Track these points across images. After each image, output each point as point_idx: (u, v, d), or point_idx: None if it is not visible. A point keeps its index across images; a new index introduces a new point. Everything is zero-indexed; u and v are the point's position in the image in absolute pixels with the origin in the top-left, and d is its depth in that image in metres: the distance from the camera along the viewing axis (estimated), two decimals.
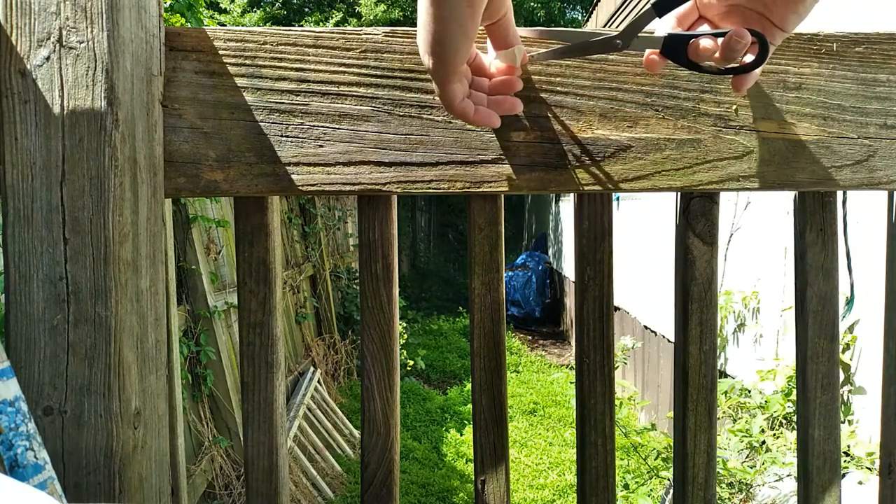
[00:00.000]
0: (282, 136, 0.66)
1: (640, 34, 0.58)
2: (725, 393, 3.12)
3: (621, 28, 0.58)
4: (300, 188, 0.67)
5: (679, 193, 0.74)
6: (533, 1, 11.80)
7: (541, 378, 6.35)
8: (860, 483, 2.10)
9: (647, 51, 0.59)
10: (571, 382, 5.30)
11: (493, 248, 0.72)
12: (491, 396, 0.73)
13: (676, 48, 0.57)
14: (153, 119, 0.63)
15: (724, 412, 3.05)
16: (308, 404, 4.38)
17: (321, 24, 9.60)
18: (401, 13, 9.63)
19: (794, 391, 0.80)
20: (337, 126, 0.67)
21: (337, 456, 4.32)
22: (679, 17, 0.59)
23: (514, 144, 0.68)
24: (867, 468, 2.19)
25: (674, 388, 0.78)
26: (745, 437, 2.70)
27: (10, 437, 0.51)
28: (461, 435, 4.88)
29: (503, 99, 0.63)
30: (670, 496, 2.92)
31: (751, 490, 2.53)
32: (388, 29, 0.67)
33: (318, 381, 4.87)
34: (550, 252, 9.66)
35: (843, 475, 2.17)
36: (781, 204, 3.17)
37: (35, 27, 0.57)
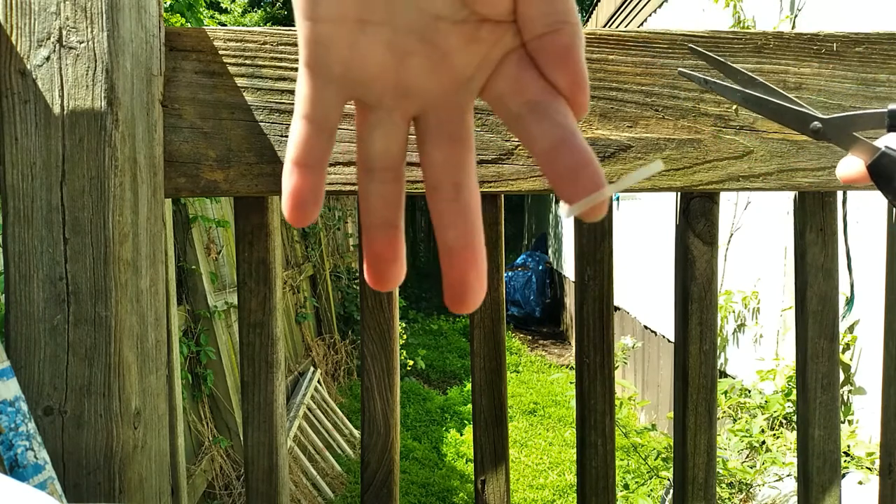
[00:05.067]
0: (282, 136, 0.66)
1: (852, 133, 0.45)
2: (725, 393, 3.12)
3: (832, 116, 0.46)
4: None
5: (679, 193, 0.74)
6: None
7: (541, 378, 6.35)
8: (860, 483, 2.10)
9: (852, 159, 0.46)
10: (571, 382, 5.29)
11: (493, 248, 0.72)
12: (491, 396, 0.73)
13: (891, 174, 0.44)
14: (153, 119, 0.63)
15: (724, 412, 3.05)
16: (308, 404, 4.38)
17: None
18: None
19: (794, 391, 0.80)
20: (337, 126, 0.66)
21: (337, 456, 4.32)
22: None
23: (513, 144, 0.68)
24: (867, 468, 2.19)
25: (674, 388, 0.78)
26: (745, 437, 2.70)
27: (10, 437, 0.51)
28: (461, 435, 4.88)
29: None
30: (670, 496, 2.92)
31: (751, 490, 2.53)
32: None
33: (318, 381, 4.87)
34: (550, 252, 9.65)
35: (843, 475, 2.17)
36: (781, 204, 3.17)
37: (35, 27, 0.57)
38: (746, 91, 0.48)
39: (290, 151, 0.30)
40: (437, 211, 0.31)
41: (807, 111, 0.46)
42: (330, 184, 0.67)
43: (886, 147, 0.44)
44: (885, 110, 0.43)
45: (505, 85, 0.30)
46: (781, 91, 0.47)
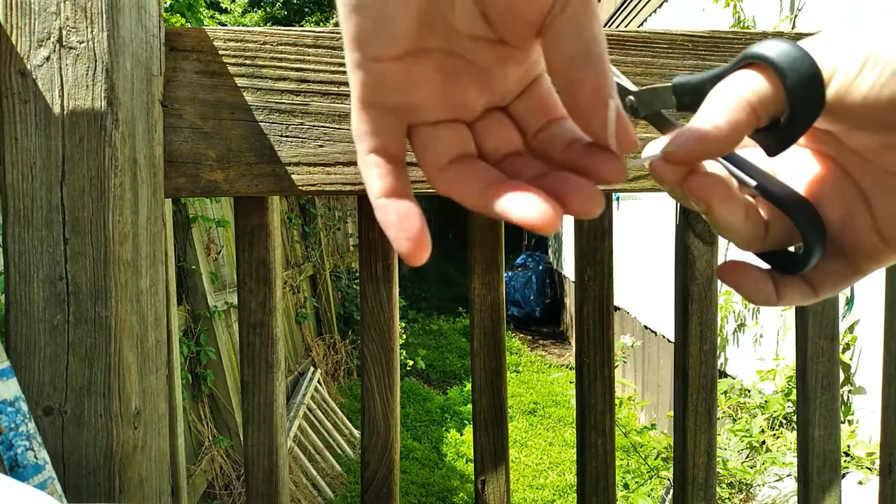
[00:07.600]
0: (282, 136, 0.66)
1: (660, 111, 0.35)
2: (725, 393, 3.12)
3: (641, 89, 0.35)
4: (300, 188, 0.67)
5: None
6: None
7: (541, 378, 6.35)
8: (860, 483, 2.10)
9: (655, 144, 0.34)
10: (571, 382, 5.30)
11: (493, 248, 0.72)
12: (491, 396, 0.73)
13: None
14: (153, 119, 0.63)
15: (724, 412, 3.05)
16: (308, 404, 4.38)
17: (321, 24, 9.60)
18: None
19: (794, 391, 0.80)
20: (337, 126, 0.67)
21: (337, 456, 4.32)
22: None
23: None
24: (867, 468, 2.19)
25: (674, 388, 0.78)
26: (745, 437, 2.70)
27: (10, 437, 0.51)
28: (461, 435, 4.88)
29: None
30: (670, 496, 2.92)
31: (751, 490, 2.53)
32: None
33: (318, 381, 4.87)
34: (550, 252, 9.65)
35: (843, 475, 2.17)
36: None
37: (35, 27, 0.57)
38: None
39: (377, 188, 0.31)
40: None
41: (623, 84, 0.35)
42: (330, 184, 0.67)
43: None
44: (670, 84, 0.33)
45: (531, 104, 0.33)
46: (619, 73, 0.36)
